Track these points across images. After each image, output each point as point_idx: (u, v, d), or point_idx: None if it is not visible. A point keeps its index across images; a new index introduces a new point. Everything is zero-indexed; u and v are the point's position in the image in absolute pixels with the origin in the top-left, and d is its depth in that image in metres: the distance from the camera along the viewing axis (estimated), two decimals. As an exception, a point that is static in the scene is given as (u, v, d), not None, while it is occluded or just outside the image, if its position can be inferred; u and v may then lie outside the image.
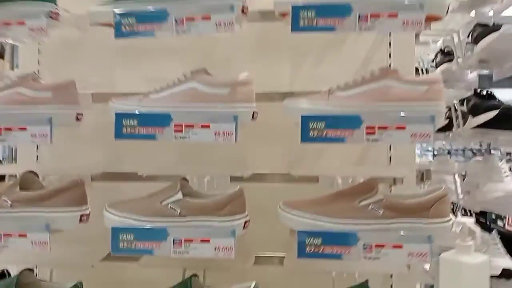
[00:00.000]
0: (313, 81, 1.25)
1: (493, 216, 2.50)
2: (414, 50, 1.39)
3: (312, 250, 0.99)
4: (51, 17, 1.07)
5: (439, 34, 1.86)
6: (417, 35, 1.66)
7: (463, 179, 1.88)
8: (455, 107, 1.74)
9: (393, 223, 0.99)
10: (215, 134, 1.00)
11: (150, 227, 1.01)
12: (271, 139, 1.32)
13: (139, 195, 1.11)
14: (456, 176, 1.88)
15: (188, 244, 1.00)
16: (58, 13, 1.09)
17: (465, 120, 1.69)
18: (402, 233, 0.97)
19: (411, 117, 0.96)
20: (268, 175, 1.31)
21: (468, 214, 1.89)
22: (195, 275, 1.06)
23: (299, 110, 0.99)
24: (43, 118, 1.04)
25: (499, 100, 1.72)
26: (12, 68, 2.54)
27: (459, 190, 1.83)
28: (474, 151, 4.66)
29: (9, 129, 1.06)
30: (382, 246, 0.98)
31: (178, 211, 1.02)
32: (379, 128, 0.97)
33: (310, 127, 0.97)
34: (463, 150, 4.75)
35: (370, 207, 0.99)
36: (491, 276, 0.99)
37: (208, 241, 1.00)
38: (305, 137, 0.97)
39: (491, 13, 1.45)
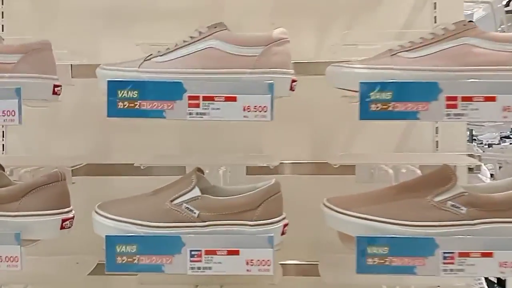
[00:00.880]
0: (343, 51, 1.02)
1: None
2: (462, 11, 1.17)
3: (376, 262, 0.75)
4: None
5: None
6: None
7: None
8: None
9: (479, 224, 0.76)
10: (244, 109, 0.74)
11: (159, 235, 0.75)
12: (291, 122, 1.08)
13: (137, 193, 0.85)
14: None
15: (210, 257, 0.75)
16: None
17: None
18: (492, 238, 0.74)
19: (502, 85, 0.73)
20: (291, 166, 1.07)
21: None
22: (214, 295, 0.81)
23: (356, 76, 0.74)
24: (9, 91, 0.77)
25: None
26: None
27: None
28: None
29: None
30: (467, 255, 0.74)
31: (196, 213, 0.76)
32: (463, 99, 0.73)
33: (373, 98, 0.72)
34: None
35: (449, 203, 0.76)
36: None
37: (237, 252, 0.75)
38: (366, 112, 0.73)
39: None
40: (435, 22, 1.10)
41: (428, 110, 0.73)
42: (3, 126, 1.12)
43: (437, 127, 1.10)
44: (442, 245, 0.74)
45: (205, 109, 0.74)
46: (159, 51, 0.79)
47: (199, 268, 0.75)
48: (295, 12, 1.12)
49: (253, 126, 1.09)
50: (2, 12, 1.13)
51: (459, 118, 0.73)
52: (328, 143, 1.09)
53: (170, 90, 0.74)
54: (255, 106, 0.74)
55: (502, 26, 1.54)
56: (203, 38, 0.77)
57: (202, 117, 0.75)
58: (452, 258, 0.74)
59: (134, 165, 0.92)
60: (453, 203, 0.76)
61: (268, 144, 1.09)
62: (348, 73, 0.76)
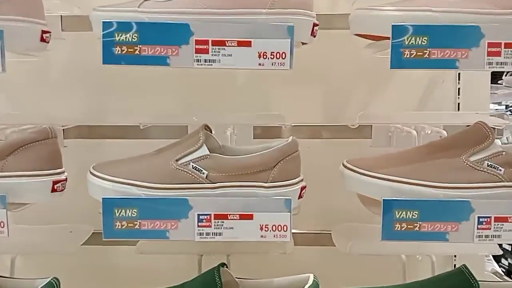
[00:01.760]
0: (363, 2, 0.93)
1: None
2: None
3: (405, 228, 0.67)
4: None
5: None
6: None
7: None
8: None
9: (519, 186, 0.68)
10: (259, 55, 0.66)
11: (163, 197, 0.67)
12: (302, 81, 1.00)
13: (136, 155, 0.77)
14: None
15: (220, 222, 0.67)
16: None
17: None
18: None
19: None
20: (301, 128, 0.99)
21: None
22: (223, 264, 0.74)
23: (387, 19, 0.65)
24: (-11, 34, 0.67)
25: None
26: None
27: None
28: None
29: None
30: (505, 219, 0.67)
31: (205, 173, 0.68)
32: (507, 45, 0.65)
33: (406, 43, 0.64)
34: None
35: (486, 164, 0.68)
36: None
37: (251, 217, 0.67)
38: (398, 61, 0.64)
39: None
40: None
41: (468, 57, 0.64)
42: (-13, 84, 1.02)
43: (459, 88, 1.02)
44: (478, 209, 0.67)
45: (215, 55, 0.65)
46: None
47: (208, 234, 0.67)
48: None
49: (261, 85, 1.02)
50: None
51: (502, 67, 0.65)
52: (343, 104, 1.01)
53: (175, 33, 0.65)
54: (272, 53, 0.65)
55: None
56: (212, -27, 0.67)
57: (211, 64, 0.65)
58: (488, 223, 0.67)
59: (133, 124, 0.84)
60: (490, 163, 0.68)
61: (277, 106, 1.01)
62: (377, 16, 0.67)
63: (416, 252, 0.85)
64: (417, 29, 0.64)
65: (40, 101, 1.01)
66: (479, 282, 0.68)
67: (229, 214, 0.67)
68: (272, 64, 0.65)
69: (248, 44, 0.65)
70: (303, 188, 0.71)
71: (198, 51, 0.65)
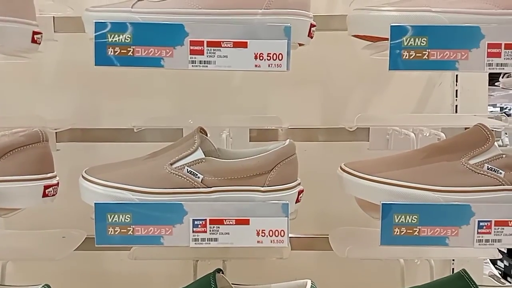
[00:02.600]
0: (360, 4, 0.92)
1: None
2: None
3: (404, 232, 0.66)
4: None
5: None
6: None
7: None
8: None
9: (520, 190, 0.67)
10: (256, 57, 0.64)
11: (157, 202, 0.66)
12: (299, 83, 0.99)
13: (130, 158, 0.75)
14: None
15: (216, 227, 0.65)
16: None
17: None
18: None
19: (550, 32, 0.64)
20: (298, 131, 0.98)
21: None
22: (219, 270, 0.72)
23: (385, 19, 0.64)
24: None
25: None
26: None
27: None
28: None
29: None
30: (505, 223, 0.66)
31: (200, 177, 0.66)
32: (507, 46, 0.64)
33: (405, 43, 0.63)
34: None
35: (486, 166, 0.67)
36: None
37: (247, 222, 0.66)
38: (396, 62, 0.63)
39: None
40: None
41: (468, 58, 0.63)
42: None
43: (456, 90, 1.02)
44: (479, 213, 0.66)
45: (210, 56, 0.64)
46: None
47: (203, 239, 0.66)
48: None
49: (257, 87, 1.00)
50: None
51: (502, 69, 0.64)
52: (340, 106, 1.00)
53: (169, 34, 0.63)
54: (269, 54, 0.64)
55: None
56: (207, -27, 0.66)
57: (207, 66, 0.64)
58: (488, 227, 0.66)
59: (127, 127, 0.82)
60: (490, 166, 0.67)
61: (273, 108, 1.00)
62: (375, 16, 0.66)
63: (414, 257, 0.84)
64: (416, 29, 0.63)
65: (32, 104, 1.00)
66: (478, 287, 0.67)
67: (225, 219, 0.65)
68: (269, 66, 0.64)
69: (244, 45, 0.64)
70: (300, 192, 0.69)
71: (193, 52, 0.64)
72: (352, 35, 0.73)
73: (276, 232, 0.66)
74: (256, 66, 0.64)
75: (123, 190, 0.66)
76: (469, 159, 0.68)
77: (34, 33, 0.73)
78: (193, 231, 0.65)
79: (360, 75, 0.99)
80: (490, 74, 1.07)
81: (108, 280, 1.01)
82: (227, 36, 0.64)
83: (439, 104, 1.02)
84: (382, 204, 0.66)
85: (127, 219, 0.65)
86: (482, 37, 0.63)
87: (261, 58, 0.64)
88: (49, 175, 0.72)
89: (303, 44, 0.69)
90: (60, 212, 0.92)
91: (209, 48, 0.64)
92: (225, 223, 0.66)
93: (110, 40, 0.63)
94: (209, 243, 0.66)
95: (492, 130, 0.72)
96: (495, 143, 0.68)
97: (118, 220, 0.65)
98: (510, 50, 0.64)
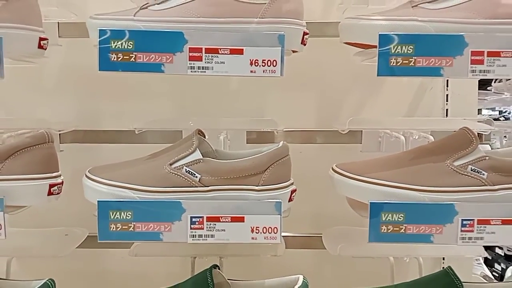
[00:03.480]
0: (353, 11, 0.95)
1: None
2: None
3: (391, 230, 0.69)
4: None
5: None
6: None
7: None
8: None
9: (501, 190, 0.71)
10: (251, 63, 0.68)
11: (157, 200, 0.69)
12: (294, 87, 1.02)
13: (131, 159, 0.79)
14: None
15: (212, 224, 0.69)
16: None
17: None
18: (514, 204, 0.70)
19: (532, 40, 0.68)
20: (293, 134, 1.01)
21: None
22: (215, 266, 0.75)
23: (374, 28, 0.68)
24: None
25: None
26: None
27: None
28: None
29: None
30: (487, 222, 0.70)
31: (198, 177, 0.70)
32: (490, 54, 0.67)
33: (393, 51, 0.66)
34: None
35: (470, 168, 0.71)
36: None
37: (242, 219, 0.69)
38: (384, 68, 0.67)
39: None
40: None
41: (452, 65, 0.67)
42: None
43: (447, 94, 1.05)
44: (462, 212, 0.69)
45: (208, 62, 0.68)
46: (156, -1, 0.71)
47: (200, 236, 0.69)
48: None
49: (254, 91, 1.04)
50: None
51: (485, 75, 0.67)
52: (334, 110, 1.03)
53: (170, 41, 0.67)
54: (264, 60, 0.68)
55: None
56: (206, -17, 0.69)
57: (205, 71, 0.68)
58: (471, 225, 0.69)
59: (128, 129, 0.85)
60: (474, 168, 0.70)
61: (269, 111, 1.03)
62: (365, 25, 0.69)
63: (403, 254, 0.87)
64: (403, 38, 0.66)
65: (37, 106, 1.03)
66: (463, 283, 0.70)
67: (221, 217, 0.69)
68: (264, 72, 0.68)
69: (240, 52, 0.67)
70: (293, 191, 0.73)
71: (192, 58, 0.67)
72: (344, 42, 0.76)
73: (270, 229, 0.69)
74: (251, 72, 0.68)
75: (125, 188, 0.70)
76: (454, 161, 0.71)
77: (41, 39, 0.76)
78: (191, 228, 0.69)
79: (354, 79, 1.02)
80: (484, 79, 1.11)
81: (109, 277, 1.05)
82: (224, 43, 0.67)
83: (430, 108, 1.05)
84: (370, 203, 0.69)
85: (128, 216, 0.69)
86: (466, 45, 0.67)
87: (256, 64, 0.68)
88: (54, 174, 0.75)
89: (296, 51, 0.73)
90: (63, 211, 0.95)
91: (207, 54, 0.68)
92: (221, 221, 0.69)
93: (113, 46, 0.67)
94: (206, 239, 0.69)
95: (482, 133, 0.75)
96: (479, 146, 0.71)
97: (120, 217, 0.69)
98: (492, 58, 0.67)
